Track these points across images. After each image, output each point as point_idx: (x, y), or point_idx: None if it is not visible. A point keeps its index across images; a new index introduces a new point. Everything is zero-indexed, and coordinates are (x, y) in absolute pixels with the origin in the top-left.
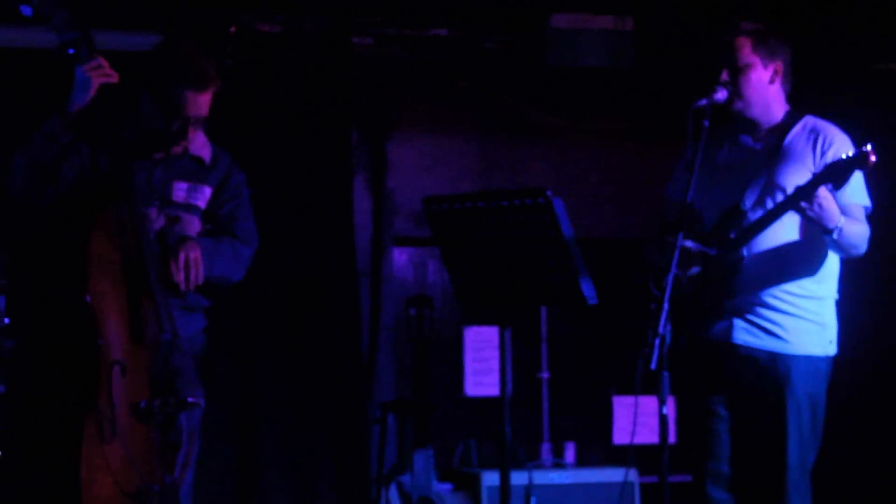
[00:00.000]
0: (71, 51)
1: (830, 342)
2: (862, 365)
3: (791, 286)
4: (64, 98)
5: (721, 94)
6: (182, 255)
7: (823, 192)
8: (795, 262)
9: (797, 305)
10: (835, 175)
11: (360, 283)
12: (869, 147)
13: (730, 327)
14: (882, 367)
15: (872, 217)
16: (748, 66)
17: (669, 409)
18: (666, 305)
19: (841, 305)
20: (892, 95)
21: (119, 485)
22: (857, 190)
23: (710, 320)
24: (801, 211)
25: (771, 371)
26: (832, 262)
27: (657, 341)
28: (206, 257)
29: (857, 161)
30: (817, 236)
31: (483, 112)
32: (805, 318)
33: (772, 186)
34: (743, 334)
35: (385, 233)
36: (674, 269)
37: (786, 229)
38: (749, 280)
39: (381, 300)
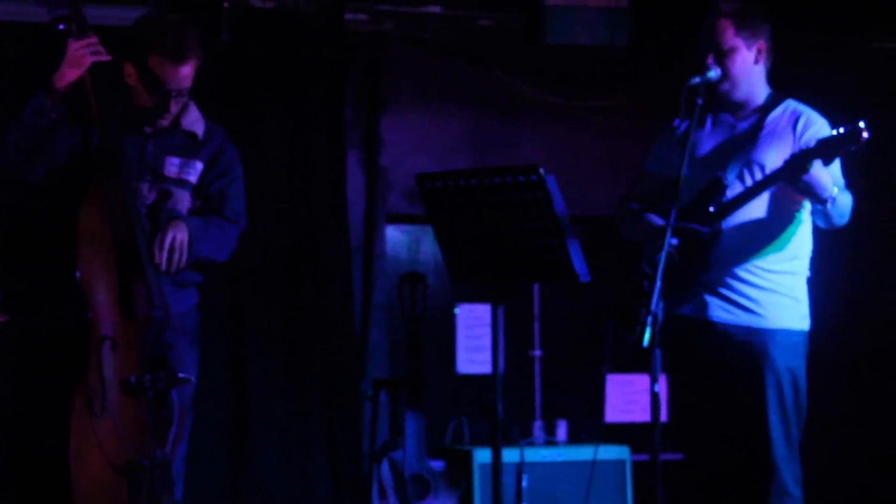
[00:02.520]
0: (62, 26)
1: (804, 317)
2: (833, 342)
3: (764, 262)
4: (53, 72)
5: (714, 73)
6: (168, 238)
7: (817, 164)
8: (767, 239)
9: (771, 280)
10: (827, 150)
11: (353, 260)
12: (862, 124)
13: (704, 304)
14: (852, 344)
15: (860, 196)
16: (733, 49)
17: (661, 387)
18: (658, 283)
19: (813, 283)
20: (887, 74)
21: (109, 459)
22: (835, 163)
23: (684, 297)
24: (793, 181)
25: (748, 346)
26: (805, 240)
27: (649, 319)
28: (194, 240)
29: (850, 137)
30: (786, 211)
31: (477, 89)
32: (779, 292)
33: (751, 164)
34: (718, 311)
35: (378, 210)
36: (667, 246)
37: (758, 205)
38: (721, 256)
39: (373, 277)
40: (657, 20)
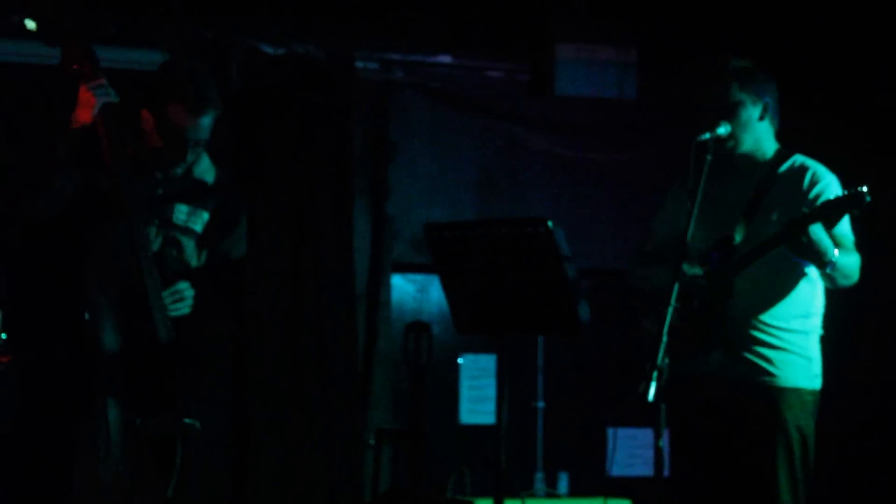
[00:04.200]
0: (74, 67)
1: (816, 376)
2: (845, 399)
3: (776, 320)
4: (66, 114)
5: (724, 129)
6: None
7: (816, 230)
8: (780, 299)
9: (784, 339)
10: (829, 213)
11: (358, 308)
12: (865, 188)
13: (716, 361)
14: (864, 401)
15: (864, 251)
16: (737, 105)
17: (666, 441)
18: (664, 338)
19: (825, 341)
20: (890, 129)
21: (111, 503)
22: (843, 221)
23: (696, 353)
24: (793, 246)
25: (759, 404)
26: (817, 298)
27: (655, 373)
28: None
29: (852, 201)
30: (802, 272)
31: (485, 139)
32: (791, 351)
33: (761, 222)
34: (730, 368)
35: (384, 258)
36: (673, 302)
37: (771, 264)
38: (733, 314)
39: (377, 325)
40: (666, 74)
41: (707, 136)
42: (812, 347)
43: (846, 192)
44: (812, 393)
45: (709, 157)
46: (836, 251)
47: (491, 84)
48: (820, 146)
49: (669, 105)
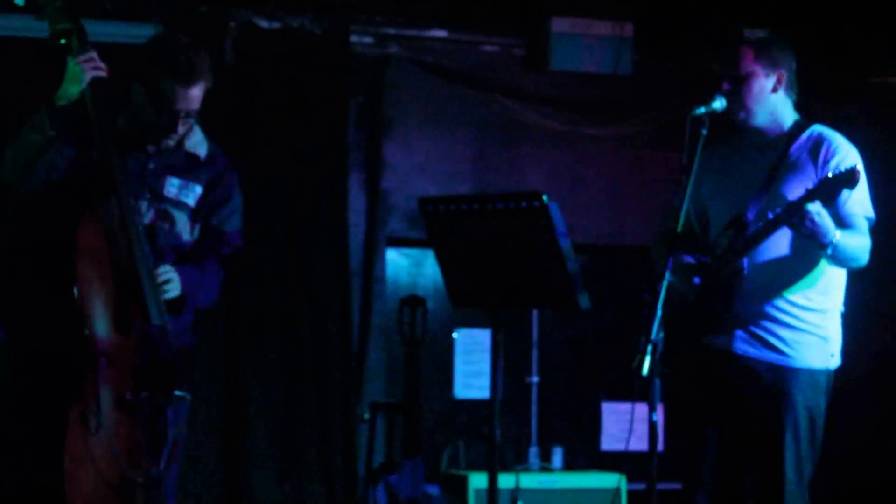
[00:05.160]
0: (63, 41)
1: (832, 355)
2: (865, 377)
3: (796, 297)
4: (55, 89)
5: (719, 103)
6: (162, 278)
7: (815, 208)
8: (793, 274)
9: (800, 318)
10: (825, 191)
11: (352, 282)
12: (857, 165)
13: (731, 338)
14: (885, 379)
15: (875, 229)
16: (750, 75)
17: (659, 416)
18: (658, 312)
19: (847, 317)
20: (890, 108)
21: (103, 476)
22: (860, 200)
23: (711, 330)
24: (793, 227)
25: (770, 383)
26: (838, 275)
27: (649, 348)
28: (189, 294)
29: (846, 178)
30: (812, 249)
31: (480, 114)
32: (807, 331)
33: (775, 197)
34: (743, 345)
35: (379, 233)
36: (667, 277)
37: (786, 240)
38: (749, 291)
39: (372, 299)
40: (662, 49)
41: (702, 109)
42: (830, 326)
43: (840, 170)
44: (825, 373)
45: (704, 132)
46: (838, 233)
47: (486, 59)
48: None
49: (665, 79)
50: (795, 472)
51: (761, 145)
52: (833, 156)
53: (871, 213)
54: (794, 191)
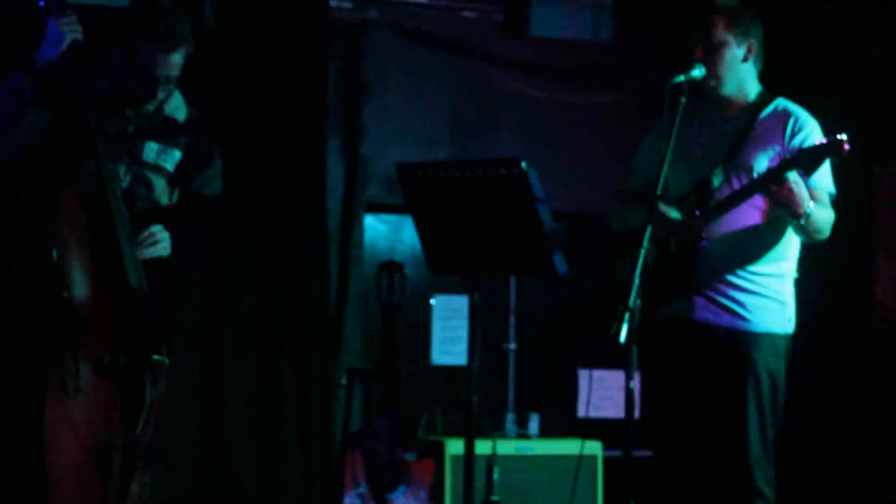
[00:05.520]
0: (42, 3)
1: (790, 319)
2: (815, 342)
3: (753, 265)
4: (31, 50)
5: (699, 71)
6: (147, 241)
7: (794, 177)
8: (757, 246)
9: (759, 283)
10: (807, 161)
11: (330, 248)
12: (844, 136)
13: (691, 304)
14: (833, 345)
15: (837, 200)
16: (722, 44)
17: (636, 383)
18: (636, 280)
19: (802, 286)
20: (867, 78)
21: (81, 440)
22: (824, 174)
23: (670, 296)
24: (770, 194)
25: (731, 348)
26: (794, 242)
27: (627, 315)
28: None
29: (831, 149)
30: (780, 219)
31: (460, 80)
32: (766, 295)
33: (740, 166)
34: (703, 311)
35: (357, 198)
36: (645, 244)
37: (749, 211)
38: (711, 261)
39: (350, 265)
40: (641, 16)
41: (682, 78)
42: (786, 291)
43: (826, 140)
44: (784, 337)
45: (683, 100)
46: (811, 203)
47: (466, 24)
48: (806, 91)
49: (645, 47)
50: (759, 436)
51: (725, 114)
52: (800, 130)
53: (833, 187)
54: (760, 161)
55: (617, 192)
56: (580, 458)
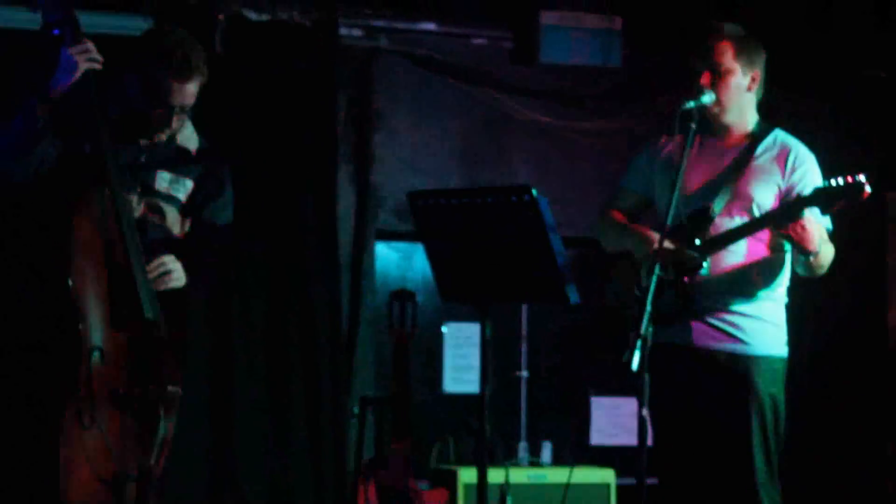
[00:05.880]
0: (56, 32)
1: (785, 343)
2: (828, 367)
3: (750, 291)
4: (47, 79)
5: (709, 97)
6: (159, 270)
7: (809, 216)
8: (759, 277)
9: (755, 306)
10: (823, 200)
11: (341, 276)
12: (863, 178)
13: (689, 330)
14: (846, 370)
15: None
16: (729, 72)
17: (648, 410)
18: (648, 307)
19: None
20: (876, 104)
21: (97, 471)
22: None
23: (668, 324)
24: (783, 230)
25: (732, 372)
26: (786, 267)
27: (639, 342)
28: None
29: (851, 191)
30: (782, 251)
31: (470, 108)
32: (763, 318)
33: (740, 197)
34: (703, 337)
35: (368, 226)
36: (657, 272)
37: (752, 242)
38: (711, 289)
39: (361, 293)
40: (651, 42)
41: (692, 104)
42: (781, 315)
43: (846, 181)
44: (782, 360)
45: (693, 126)
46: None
47: (475, 52)
48: (802, 122)
49: (654, 73)
50: (765, 459)
51: (724, 142)
52: (800, 165)
53: (830, 224)
54: (760, 193)
55: (604, 209)
56: None
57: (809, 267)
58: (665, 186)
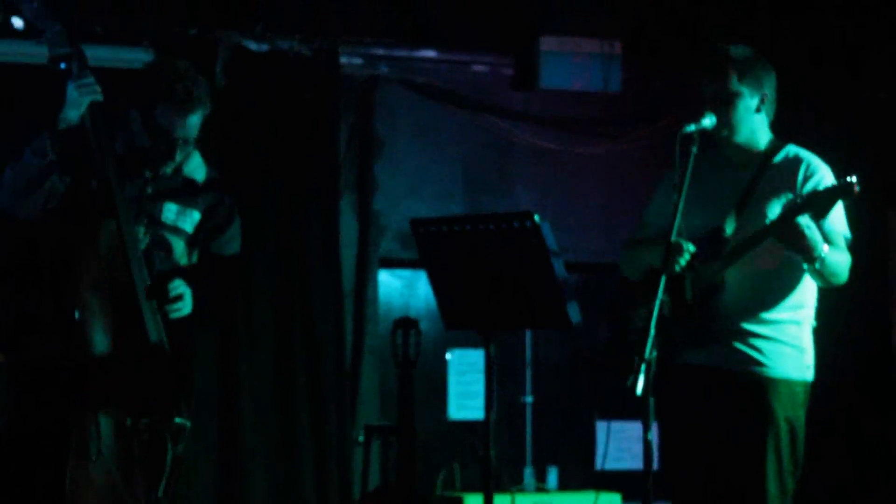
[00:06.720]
0: (63, 66)
1: (808, 367)
2: (831, 390)
3: (769, 312)
4: (54, 114)
5: (709, 121)
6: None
7: (806, 221)
8: (773, 291)
9: (776, 329)
10: (817, 204)
11: (345, 304)
12: (854, 178)
13: (708, 352)
14: (850, 392)
15: (853, 246)
16: (736, 95)
17: (654, 434)
18: (652, 330)
19: (818, 333)
20: (879, 123)
21: (103, 503)
22: (839, 218)
23: (687, 346)
24: (782, 239)
25: (749, 394)
26: (812, 288)
27: (643, 366)
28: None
29: (842, 191)
30: (795, 264)
31: (471, 134)
32: (784, 341)
33: (753, 213)
34: (720, 358)
35: (371, 254)
36: (660, 295)
37: (765, 256)
38: (728, 308)
39: (365, 321)
40: (651, 67)
41: (692, 127)
42: (804, 338)
43: (835, 183)
44: (803, 384)
45: (694, 149)
46: (826, 247)
47: (476, 78)
48: (807, 139)
49: (654, 97)
50: (778, 486)
51: (737, 162)
52: (812, 175)
53: (848, 232)
54: (774, 209)
55: (629, 241)
56: None
57: (819, 275)
58: (683, 211)
